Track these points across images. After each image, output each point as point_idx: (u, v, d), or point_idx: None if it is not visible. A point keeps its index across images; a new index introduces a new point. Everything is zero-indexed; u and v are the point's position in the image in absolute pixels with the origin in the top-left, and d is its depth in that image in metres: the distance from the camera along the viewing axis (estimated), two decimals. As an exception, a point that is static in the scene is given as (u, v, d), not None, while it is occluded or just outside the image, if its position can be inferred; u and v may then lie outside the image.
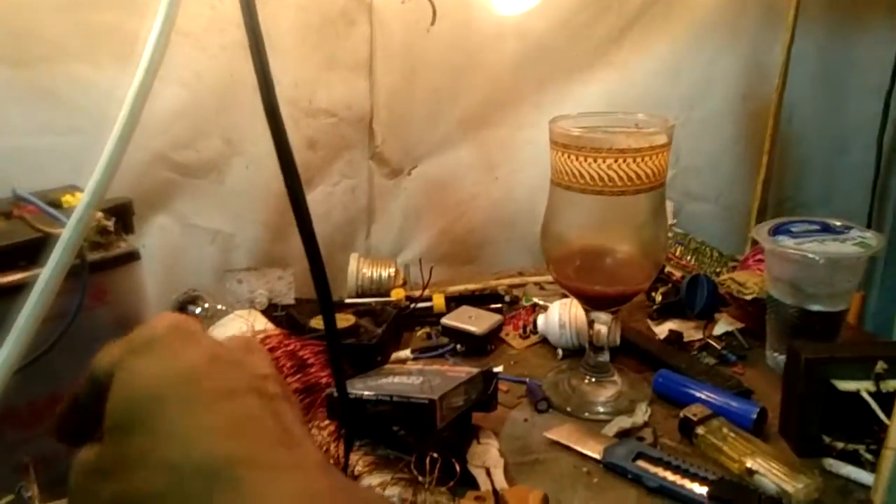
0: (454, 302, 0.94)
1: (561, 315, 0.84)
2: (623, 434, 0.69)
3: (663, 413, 0.74)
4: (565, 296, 0.91)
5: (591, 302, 0.74)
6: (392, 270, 0.97)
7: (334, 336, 0.44)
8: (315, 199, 1.07)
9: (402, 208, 1.15)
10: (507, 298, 0.97)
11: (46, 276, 0.39)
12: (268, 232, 1.03)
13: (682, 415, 0.70)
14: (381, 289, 0.96)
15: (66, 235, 0.40)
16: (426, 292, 0.94)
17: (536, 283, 1.03)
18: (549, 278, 1.03)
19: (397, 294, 0.93)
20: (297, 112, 1.01)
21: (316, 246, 0.39)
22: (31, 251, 0.56)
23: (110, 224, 0.61)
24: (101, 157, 0.41)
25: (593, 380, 0.77)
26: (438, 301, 0.93)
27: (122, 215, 0.63)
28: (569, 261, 0.73)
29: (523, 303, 0.97)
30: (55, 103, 0.85)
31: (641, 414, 0.71)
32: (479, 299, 0.97)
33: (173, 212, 0.97)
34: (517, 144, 1.16)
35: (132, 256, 0.61)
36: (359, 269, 0.96)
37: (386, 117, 1.07)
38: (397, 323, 0.88)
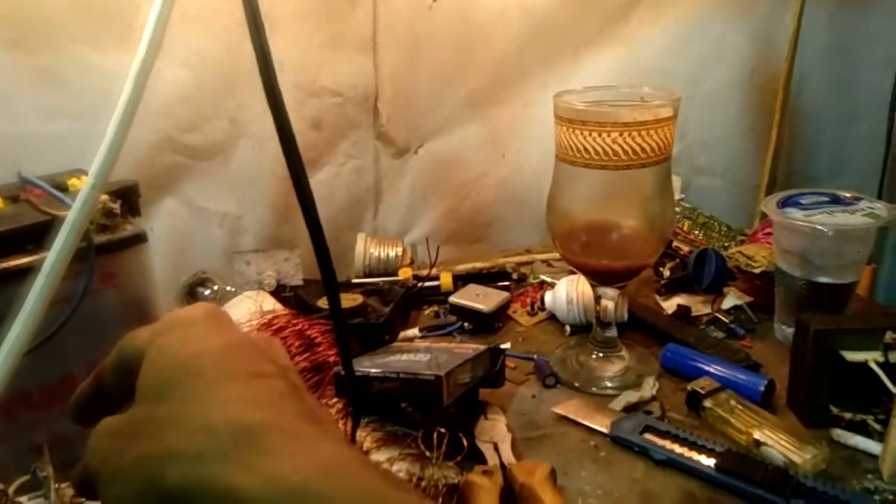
0: (461, 280, 0.94)
1: (568, 291, 0.84)
2: (630, 408, 0.70)
3: (671, 387, 0.74)
4: (572, 272, 0.91)
5: (598, 277, 0.74)
6: (399, 250, 0.97)
7: (339, 313, 0.44)
8: (321, 179, 1.07)
9: (408, 188, 1.14)
10: (514, 276, 0.97)
11: (53, 258, 0.39)
12: (275, 214, 1.04)
13: (689, 388, 0.70)
14: (388, 268, 0.96)
15: (72, 218, 0.40)
16: (433, 271, 0.94)
17: (544, 261, 1.03)
18: (557, 255, 1.03)
19: (405, 273, 0.93)
20: (301, 92, 1.00)
21: (319, 227, 0.39)
22: (39, 234, 0.56)
23: (116, 206, 0.61)
24: (104, 139, 0.41)
25: (601, 355, 0.77)
26: (446, 280, 0.93)
27: (127, 198, 0.64)
28: (575, 236, 0.73)
29: (531, 280, 0.97)
30: (60, 87, 0.85)
31: (649, 388, 0.72)
32: (487, 277, 0.97)
33: (181, 195, 0.97)
34: (524, 122, 1.16)
35: (139, 238, 0.61)
36: (366, 249, 0.96)
37: (391, 96, 1.07)
38: (405, 302, 0.88)
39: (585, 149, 0.67)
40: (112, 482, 0.25)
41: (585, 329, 0.84)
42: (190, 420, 0.25)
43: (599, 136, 0.66)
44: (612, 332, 0.77)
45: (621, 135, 0.66)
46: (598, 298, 0.75)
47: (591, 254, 0.72)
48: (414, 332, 0.86)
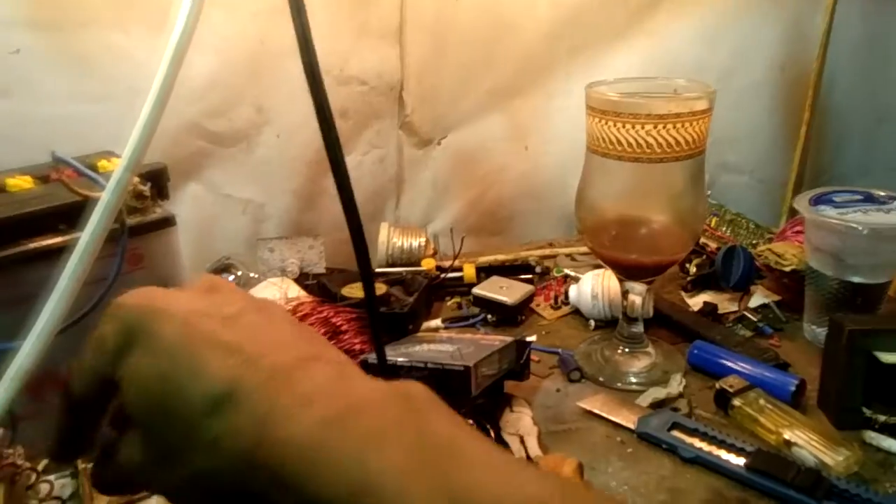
0: (484, 272, 0.94)
1: (594, 286, 0.83)
2: (657, 405, 0.69)
3: (698, 384, 0.73)
4: (597, 267, 0.91)
5: (626, 272, 0.73)
6: (423, 240, 0.97)
7: (373, 302, 0.43)
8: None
9: (430, 179, 1.14)
10: (537, 269, 0.96)
11: (87, 238, 0.39)
12: (298, 201, 1.03)
13: (718, 386, 0.69)
14: (411, 258, 0.96)
15: (106, 198, 0.40)
16: (456, 262, 0.94)
17: (567, 254, 1.02)
18: (581, 249, 1.02)
19: (428, 264, 0.93)
20: (328, 80, 0.98)
21: (356, 214, 0.38)
22: (71, 215, 0.56)
23: (146, 189, 0.61)
24: (138, 119, 0.41)
25: (626, 350, 0.76)
26: (469, 271, 0.92)
27: (157, 180, 0.63)
28: (604, 230, 0.72)
29: (554, 273, 0.96)
30: (88, 70, 0.85)
31: (676, 384, 0.71)
32: (510, 270, 0.96)
33: (205, 181, 0.97)
34: (548, 114, 1.14)
35: (168, 222, 0.61)
36: (389, 239, 0.96)
37: (416, 86, 1.06)
38: (428, 292, 0.88)
39: (619, 140, 0.66)
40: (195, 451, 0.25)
41: (610, 324, 0.83)
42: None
43: (633, 127, 0.65)
44: (639, 328, 0.76)
45: (655, 127, 0.65)
46: (625, 293, 0.74)
47: (620, 248, 0.71)
48: (437, 322, 0.85)
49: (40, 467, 0.52)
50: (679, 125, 0.65)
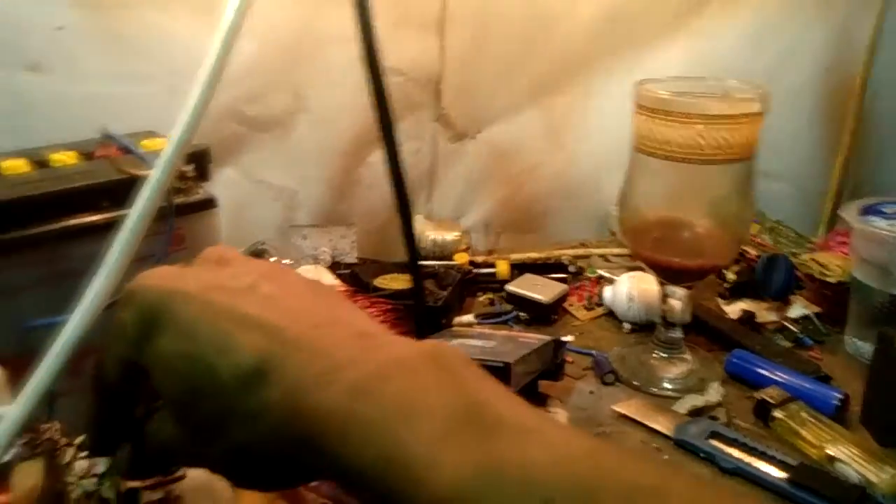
0: (516, 269, 0.92)
1: (630, 288, 0.82)
2: (695, 412, 0.67)
3: (736, 394, 0.71)
4: (632, 269, 0.89)
5: (668, 275, 0.71)
6: (457, 234, 0.96)
7: (420, 293, 0.42)
8: (377, 159, 1.05)
9: (464, 173, 1.13)
10: (571, 269, 0.95)
11: (137, 214, 0.39)
12: (331, 190, 1.03)
13: (758, 396, 0.67)
14: (444, 252, 0.95)
15: (157, 176, 0.40)
16: (486, 259, 0.93)
17: (601, 255, 1.00)
18: (614, 250, 1.01)
19: (461, 258, 0.92)
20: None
21: (408, 206, 0.38)
22: (116, 192, 0.56)
23: (189, 169, 0.60)
24: (188, 99, 0.41)
25: (663, 355, 0.75)
26: (502, 267, 0.91)
27: (199, 162, 0.63)
28: (647, 231, 0.71)
29: (587, 274, 0.95)
30: (130, 50, 0.85)
31: (715, 393, 0.69)
32: (542, 268, 0.95)
33: (240, 165, 0.97)
34: (585, 112, 1.13)
35: (210, 203, 0.61)
36: (423, 232, 0.95)
37: (454, 79, 1.05)
38: (461, 287, 0.87)
39: (667, 140, 0.64)
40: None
41: (644, 327, 0.82)
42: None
43: (684, 127, 0.63)
44: (678, 333, 0.74)
45: (706, 127, 0.63)
46: (665, 297, 0.73)
47: (662, 250, 0.70)
48: (469, 318, 0.84)
49: (76, 443, 0.52)
50: (732, 127, 0.63)
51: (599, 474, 0.21)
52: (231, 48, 0.42)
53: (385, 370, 0.24)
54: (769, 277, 0.85)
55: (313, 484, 0.59)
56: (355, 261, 0.91)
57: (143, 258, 0.53)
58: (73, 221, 0.56)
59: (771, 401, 0.66)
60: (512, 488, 0.21)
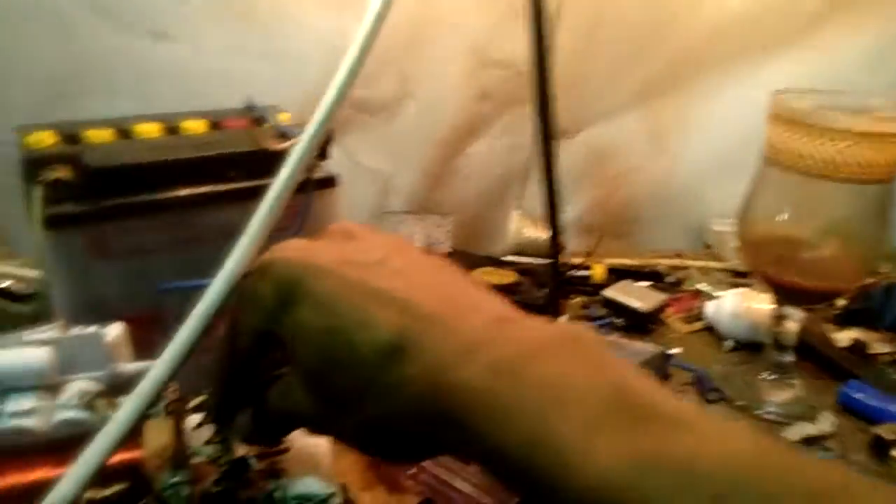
0: (612, 274, 0.90)
1: (736, 305, 0.79)
2: (807, 441, 0.64)
3: (848, 426, 0.68)
4: (735, 285, 0.86)
5: (786, 295, 0.68)
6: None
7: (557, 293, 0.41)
8: (476, 150, 1.05)
9: (559, 173, 1.11)
10: (668, 279, 0.92)
11: (280, 184, 0.39)
12: (426, 178, 1.03)
13: (875, 432, 0.64)
14: (538, 250, 0.93)
15: (301, 148, 0.40)
16: (583, 261, 0.91)
17: (699, 268, 0.97)
18: (713, 264, 0.97)
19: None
20: (474, 60, 0.98)
21: (556, 198, 0.37)
22: (245, 163, 0.57)
23: (314, 147, 0.60)
24: (341, 69, 0.41)
25: (772, 378, 0.72)
26: (599, 271, 0.89)
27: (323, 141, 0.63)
28: (768, 247, 0.67)
29: (686, 286, 0.91)
30: (252, 27, 0.86)
31: (828, 423, 0.66)
32: (638, 275, 0.92)
33: (343, 147, 0.97)
34: (692, 119, 1.09)
35: (332, 181, 0.61)
36: (519, 228, 0.94)
37: (561, 76, 1.02)
38: (557, 287, 0.85)
39: (803, 154, 0.61)
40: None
41: (746, 346, 0.79)
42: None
43: (823, 143, 0.60)
44: (790, 356, 0.71)
45: (849, 146, 0.59)
46: (780, 318, 0.69)
47: (784, 269, 0.67)
48: (563, 320, 0.83)
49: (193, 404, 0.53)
50: (877, 146, 0.60)
51: (774, 475, 0.20)
52: (377, 34, 0.42)
53: (527, 350, 0.23)
54: (886, 307, 0.81)
55: (411, 472, 0.59)
56: (449, 250, 0.90)
57: (277, 230, 0.54)
58: (201, 189, 0.57)
59: (888, 438, 0.62)
60: (675, 481, 0.20)
